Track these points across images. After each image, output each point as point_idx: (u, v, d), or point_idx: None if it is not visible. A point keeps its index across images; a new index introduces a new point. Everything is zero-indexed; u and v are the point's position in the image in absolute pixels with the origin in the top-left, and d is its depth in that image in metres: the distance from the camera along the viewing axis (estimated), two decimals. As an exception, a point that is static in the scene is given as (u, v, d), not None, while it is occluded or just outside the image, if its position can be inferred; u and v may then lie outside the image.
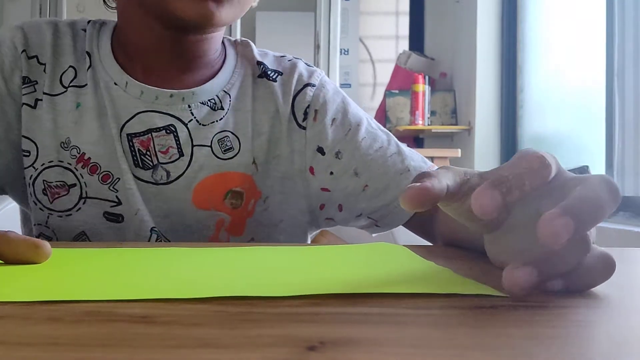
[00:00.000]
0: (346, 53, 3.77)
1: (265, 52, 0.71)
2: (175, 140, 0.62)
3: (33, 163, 0.62)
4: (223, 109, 0.64)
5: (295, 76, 0.67)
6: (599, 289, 0.34)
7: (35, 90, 0.62)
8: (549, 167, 0.32)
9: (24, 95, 0.62)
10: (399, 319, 0.28)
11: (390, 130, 2.69)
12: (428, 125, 2.96)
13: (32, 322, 0.26)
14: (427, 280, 0.37)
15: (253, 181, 0.64)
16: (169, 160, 0.62)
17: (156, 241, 0.62)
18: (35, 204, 0.62)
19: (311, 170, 0.66)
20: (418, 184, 0.32)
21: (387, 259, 0.46)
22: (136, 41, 0.63)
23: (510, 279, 0.30)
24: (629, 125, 1.93)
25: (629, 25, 1.95)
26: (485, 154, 2.77)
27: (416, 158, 0.67)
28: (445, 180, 0.33)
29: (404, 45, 3.70)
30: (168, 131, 0.61)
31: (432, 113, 3.04)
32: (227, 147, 0.63)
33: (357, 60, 4.02)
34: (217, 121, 0.63)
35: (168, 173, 0.62)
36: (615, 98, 1.97)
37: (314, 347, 0.23)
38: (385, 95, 3.27)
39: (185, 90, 0.63)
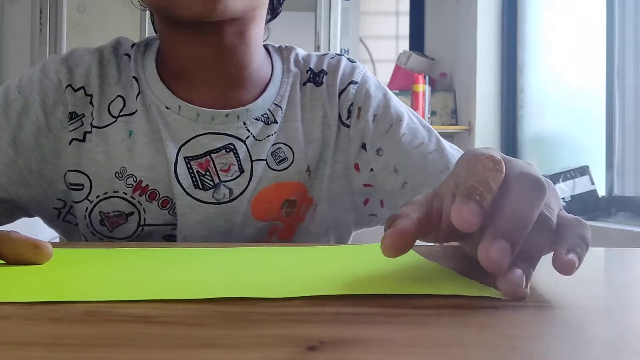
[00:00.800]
0: (346, 53, 3.77)
1: (309, 55, 0.70)
2: (236, 157, 0.61)
3: (87, 196, 0.61)
4: (276, 122, 0.63)
5: (339, 75, 0.67)
6: (599, 289, 0.34)
7: (82, 124, 0.61)
8: (501, 162, 0.33)
9: (71, 131, 0.61)
10: (399, 319, 0.28)
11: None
12: (428, 125, 2.96)
13: (33, 323, 0.26)
14: (430, 281, 0.37)
15: (306, 188, 0.64)
16: (231, 178, 0.61)
17: None
18: (94, 235, 0.62)
19: (356, 166, 0.66)
20: (391, 229, 0.33)
21: (389, 259, 0.45)
22: (180, 61, 0.62)
23: (486, 254, 0.30)
24: (629, 125, 1.93)
25: (629, 26, 1.95)
26: (485, 154, 2.77)
27: (457, 155, 0.66)
28: (414, 215, 0.34)
29: (404, 45, 3.70)
30: (227, 149, 0.61)
31: (433, 113, 3.04)
32: (281, 159, 0.63)
33: (357, 60, 4.01)
34: (271, 135, 0.63)
35: (231, 191, 0.61)
36: (615, 98, 1.97)
37: (314, 347, 0.23)
38: (385, 96, 3.27)
39: (239, 108, 0.62)
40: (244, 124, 0.62)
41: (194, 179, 0.61)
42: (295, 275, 0.39)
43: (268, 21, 0.68)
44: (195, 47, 0.60)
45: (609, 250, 0.55)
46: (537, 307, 0.30)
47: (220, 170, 0.61)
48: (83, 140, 0.61)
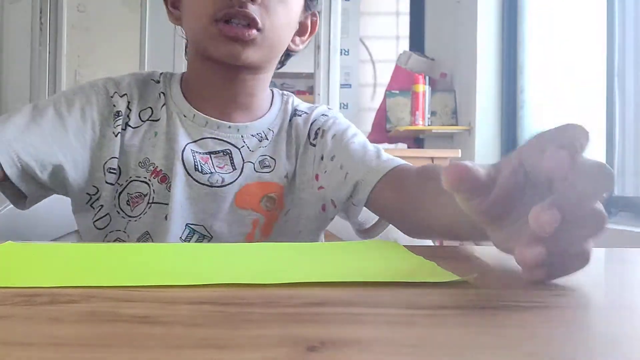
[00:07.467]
0: (346, 53, 3.76)
1: (300, 103, 0.87)
2: (230, 160, 0.78)
3: (118, 179, 0.76)
4: (267, 140, 0.81)
5: (314, 113, 0.85)
6: (599, 289, 0.34)
7: (122, 122, 0.77)
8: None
9: (116, 126, 0.76)
10: (398, 319, 0.28)
11: (390, 131, 2.67)
12: (428, 125, 2.95)
13: (34, 323, 0.26)
14: (407, 270, 0.40)
15: (282, 191, 0.79)
16: (225, 172, 0.77)
17: (194, 234, 0.75)
18: (118, 213, 0.76)
19: (316, 177, 0.80)
20: (456, 163, 0.36)
21: (379, 253, 0.48)
22: (202, 84, 0.79)
23: (521, 258, 0.34)
24: (629, 125, 1.93)
25: (629, 25, 1.95)
26: (485, 155, 2.77)
27: (394, 159, 0.76)
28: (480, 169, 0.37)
29: (404, 45, 3.70)
30: (225, 154, 0.78)
31: (433, 113, 3.04)
32: (265, 165, 0.79)
33: (357, 60, 4.02)
34: (261, 148, 0.80)
35: (223, 179, 0.76)
36: (615, 98, 1.97)
37: (314, 348, 0.23)
38: (385, 96, 3.27)
39: (240, 124, 0.79)
40: (242, 136, 0.79)
41: (196, 163, 0.76)
42: (290, 268, 0.41)
43: (277, 69, 0.84)
44: (216, 77, 0.77)
45: (609, 250, 0.55)
46: (537, 307, 0.30)
47: (216, 166, 0.77)
48: (123, 135, 0.77)
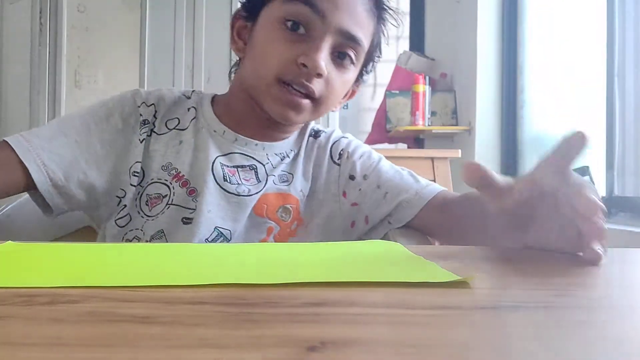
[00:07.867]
0: (346, 53, 3.76)
1: (315, 126, 0.95)
2: (255, 174, 0.84)
3: (141, 182, 0.81)
4: (289, 158, 0.88)
5: (333, 134, 0.93)
6: (599, 289, 0.34)
7: (147, 130, 0.83)
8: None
9: (142, 133, 0.82)
10: (398, 319, 0.28)
11: (390, 131, 2.67)
12: (428, 125, 2.95)
13: (35, 323, 0.26)
14: (407, 270, 0.41)
15: (299, 205, 0.84)
16: (250, 185, 0.83)
17: (221, 236, 0.79)
18: (138, 213, 0.80)
19: (344, 194, 0.86)
20: (472, 162, 0.48)
21: (379, 253, 0.49)
22: (239, 111, 0.86)
23: (595, 256, 0.46)
24: (629, 125, 1.93)
25: (629, 25, 1.95)
26: (485, 155, 2.77)
27: (429, 181, 0.83)
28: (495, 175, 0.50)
29: (405, 45, 3.70)
30: (251, 168, 0.84)
31: (433, 113, 3.03)
32: (283, 180, 0.85)
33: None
34: (282, 164, 0.87)
35: (249, 190, 0.82)
36: (615, 98, 1.97)
37: (314, 348, 0.23)
38: (385, 96, 3.27)
39: (266, 142, 0.86)
40: (267, 154, 0.85)
41: (225, 175, 0.81)
42: (291, 267, 0.42)
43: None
44: (257, 115, 0.83)
45: (609, 250, 0.55)
46: (537, 307, 0.30)
47: (243, 179, 0.83)
48: (148, 142, 0.82)
